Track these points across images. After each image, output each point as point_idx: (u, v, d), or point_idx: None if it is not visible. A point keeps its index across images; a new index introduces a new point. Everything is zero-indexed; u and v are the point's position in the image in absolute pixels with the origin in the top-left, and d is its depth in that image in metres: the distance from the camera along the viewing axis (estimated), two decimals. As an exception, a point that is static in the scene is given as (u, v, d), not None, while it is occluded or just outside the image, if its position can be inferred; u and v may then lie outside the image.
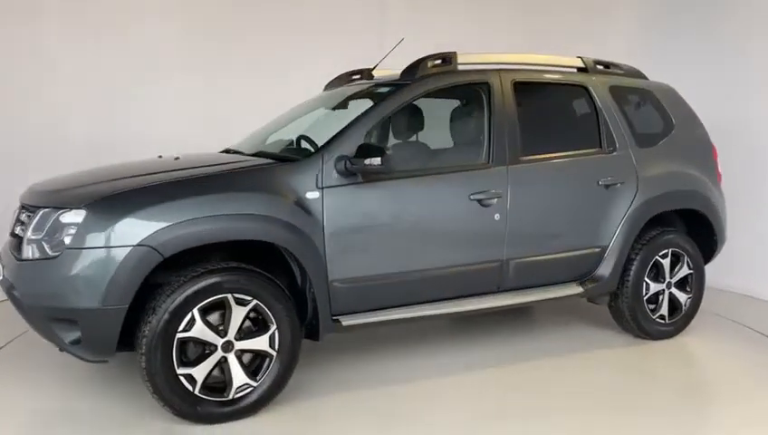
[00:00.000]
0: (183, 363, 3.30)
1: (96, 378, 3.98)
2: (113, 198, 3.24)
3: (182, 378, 3.28)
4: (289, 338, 3.51)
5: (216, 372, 3.40)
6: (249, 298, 3.39)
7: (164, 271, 3.34)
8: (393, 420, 3.53)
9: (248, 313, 3.41)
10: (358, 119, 3.86)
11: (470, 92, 4.37)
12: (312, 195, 3.58)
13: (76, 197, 3.30)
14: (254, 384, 3.45)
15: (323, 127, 4.23)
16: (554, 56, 4.71)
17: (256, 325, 3.49)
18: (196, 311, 3.28)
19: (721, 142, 5.14)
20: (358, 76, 4.94)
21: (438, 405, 3.71)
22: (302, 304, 3.68)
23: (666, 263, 4.71)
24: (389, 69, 4.69)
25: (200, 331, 3.30)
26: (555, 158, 4.38)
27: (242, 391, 3.42)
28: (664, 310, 4.74)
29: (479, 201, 4.01)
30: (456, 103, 4.64)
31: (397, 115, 4.89)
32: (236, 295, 3.36)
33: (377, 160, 3.58)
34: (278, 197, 3.47)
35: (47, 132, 5.47)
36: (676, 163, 4.80)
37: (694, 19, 6.69)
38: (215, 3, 6.14)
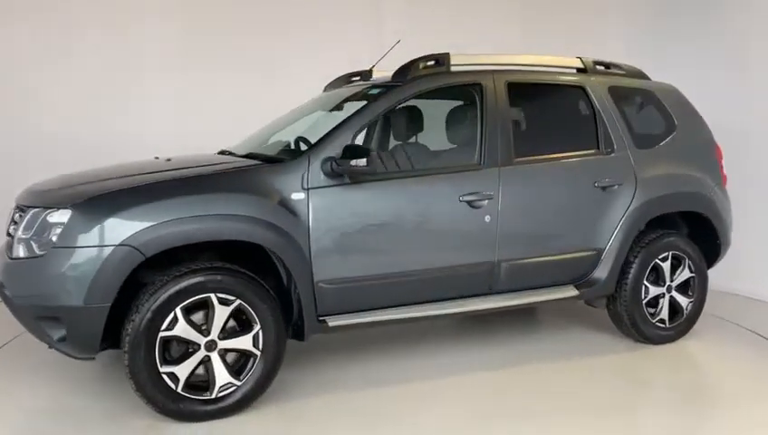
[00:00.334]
0: (166, 362, 3.35)
1: (93, 376, 4.04)
2: (98, 198, 3.30)
3: (165, 376, 3.32)
4: (273, 338, 3.53)
5: (200, 371, 3.44)
6: (233, 298, 3.42)
7: (154, 270, 3.40)
8: (378, 421, 3.53)
9: (232, 312, 3.44)
10: (345, 121, 3.88)
11: (463, 94, 4.37)
12: (297, 196, 3.60)
13: (63, 197, 3.37)
14: (238, 383, 3.48)
15: (319, 128, 4.24)
16: (552, 57, 4.66)
17: (241, 325, 3.51)
18: (178, 310, 3.32)
19: (725, 143, 5.03)
20: (357, 78, 4.95)
21: (427, 406, 3.70)
22: (289, 304, 3.70)
23: (666, 266, 4.63)
24: (390, 70, 4.68)
25: (183, 330, 3.34)
26: (549, 159, 4.33)
27: (225, 389, 3.46)
28: (664, 314, 4.65)
29: (469, 202, 3.99)
30: (449, 105, 4.61)
31: (397, 116, 4.97)
32: (220, 295, 3.39)
33: (362, 161, 3.59)
34: (261, 198, 3.50)
35: (48, 133, 5.57)
36: (678, 165, 4.72)
37: (694, 19, 6.61)
38: (214, 4, 6.19)
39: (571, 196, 4.33)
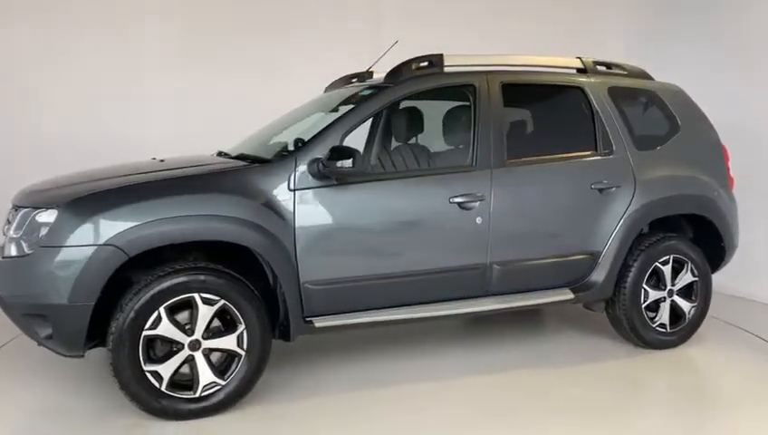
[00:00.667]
0: (150, 360, 3.39)
1: (88, 375, 4.09)
2: (83, 199, 3.36)
3: (149, 374, 3.36)
4: (258, 338, 3.55)
5: (185, 370, 3.47)
6: (217, 298, 3.44)
7: (144, 270, 3.44)
8: (363, 422, 3.52)
9: (216, 312, 3.46)
10: (334, 122, 3.88)
11: (456, 95, 4.34)
12: (283, 196, 3.62)
13: (50, 197, 3.44)
14: (222, 383, 3.50)
15: (316, 130, 4.25)
16: (551, 57, 4.61)
17: (226, 325, 3.54)
18: (162, 309, 3.35)
19: (731, 144, 4.92)
20: (355, 79, 4.95)
21: (416, 409, 3.68)
22: (276, 304, 3.71)
23: (666, 270, 4.54)
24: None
25: (166, 329, 3.38)
26: (544, 161, 4.29)
27: (209, 389, 3.48)
28: (664, 318, 4.56)
29: (459, 204, 3.96)
30: (444, 106, 4.59)
31: (397, 117, 4.98)
32: (203, 295, 3.42)
33: (348, 162, 3.60)
34: (246, 198, 3.52)
35: (49, 134, 5.67)
36: (680, 167, 4.63)
37: (695, 19, 6.51)
38: (214, 4, 6.24)
39: (566, 198, 4.27)
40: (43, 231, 3.32)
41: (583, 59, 4.66)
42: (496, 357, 4.48)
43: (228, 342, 3.51)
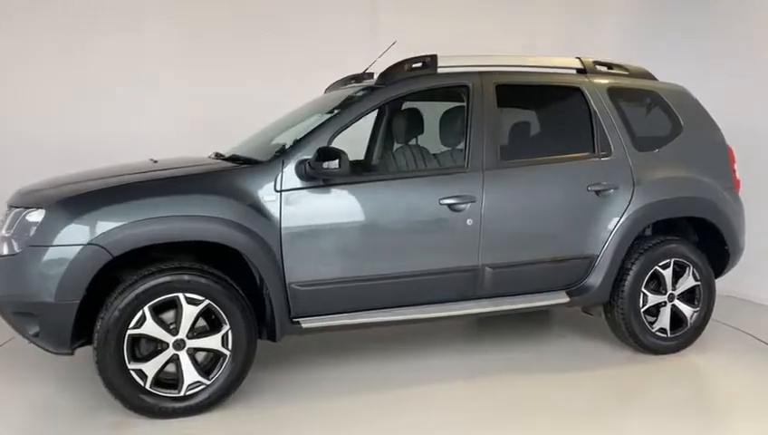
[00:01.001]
0: (135, 359, 3.43)
1: (84, 374, 4.12)
2: (69, 199, 3.42)
3: (133, 373, 3.40)
4: (244, 338, 3.57)
5: (171, 369, 3.50)
6: (201, 298, 3.47)
7: (134, 270, 3.48)
8: (348, 424, 3.51)
9: (201, 312, 3.49)
10: (323, 123, 3.89)
11: (450, 96, 4.33)
12: (269, 198, 3.63)
13: (39, 198, 3.51)
14: (207, 382, 3.53)
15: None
16: (549, 57, 4.56)
17: (212, 325, 3.56)
18: (146, 309, 3.39)
19: (737, 146, 4.81)
20: (353, 80, 4.95)
21: (403, 412, 3.65)
22: (263, 305, 3.72)
23: (667, 273, 4.44)
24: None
25: (151, 328, 3.42)
26: (539, 162, 4.24)
27: (194, 388, 3.51)
28: (664, 323, 4.47)
29: (449, 206, 3.93)
30: (443, 107, 4.56)
31: (397, 119, 4.97)
32: (188, 295, 3.45)
33: (334, 163, 3.60)
34: (231, 199, 3.54)
35: (51, 137, 5.78)
36: (682, 168, 4.53)
37: (700, 18, 6.40)
38: (212, 8, 6.28)
39: (560, 200, 4.22)
40: (32, 231, 3.37)
41: (583, 59, 4.58)
42: (491, 360, 4.44)
43: (213, 341, 3.53)
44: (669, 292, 4.48)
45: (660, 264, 4.43)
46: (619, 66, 4.69)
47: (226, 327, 3.53)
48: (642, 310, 4.41)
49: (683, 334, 4.54)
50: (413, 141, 4.84)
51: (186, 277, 3.44)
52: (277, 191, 3.64)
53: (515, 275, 4.15)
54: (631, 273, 4.35)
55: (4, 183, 4.05)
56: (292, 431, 3.46)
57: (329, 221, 3.73)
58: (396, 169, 4.15)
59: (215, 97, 6.15)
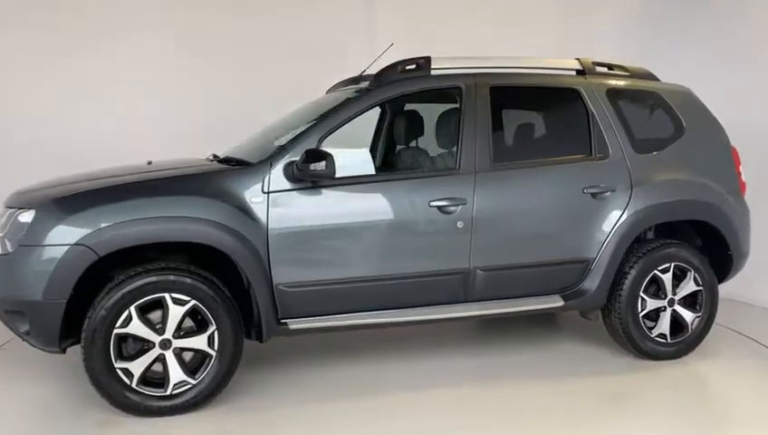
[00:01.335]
0: (122, 358, 3.48)
1: (74, 371, 4.19)
2: (58, 200, 3.50)
3: (119, 371, 3.45)
4: (230, 339, 3.60)
5: (158, 368, 3.55)
6: (187, 298, 3.51)
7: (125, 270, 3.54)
8: (334, 426, 3.52)
9: (187, 312, 3.53)
10: (312, 125, 3.90)
11: (443, 98, 4.32)
12: (256, 199, 3.65)
13: (31, 199, 3.59)
14: (193, 382, 3.57)
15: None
16: (547, 59, 4.51)
17: (199, 325, 3.60)
18: (133, 308, 3.44)
19: (737, 147, 4.70)
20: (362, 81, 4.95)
21: (391, 416, 3.63)
22: (252, 305, 3.75)
23: (666, 278, 4.35)
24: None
25: (137, 328, 3.47)
26: (533, 164, 4.20)
27: (180, 387, 3.55)
28: (664, 328, 4.38)
29: (439, 208, 3.91)
30: (438, 109, 4.54)
31: (398, 121, 4.98)
32: (174, 295, 3.49)
33: (321, 165, 3.61)
34: (217, 200, 3.57)
35: (53, 138, 5.87)
36: (683, 170, 4.44)
37: (700, 19, 6.29)
38: (209, 8, 6.32)
39: (554, 202, 4.16)
40: (23, 231, 3.45)
41: (582, 60, 4.52)
42: (488, 365, 4.39)
43: (199, 342, 3.57)
44: (669, 297, 4.39)
45: (660, 268, 4.34)
46: (619, 67, 4.62)
47: (212, 327, 3.57)
48: (641, 315, 4.33)
49: (683, 340, 4.44)
50: (413, 143, 4.86)
51: (171, 278, 3.48)
52: (264, 193, 3.67)
53: (508, 278, 4.11)
54: (629, 277, 4.28)
55: (6, 184, 4.11)
56: (276, 430, 3.48)
57: (316, 223, 3.74)
58: (393, 170, 4.13)
59: (214, 98, 6.19)
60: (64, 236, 3.37)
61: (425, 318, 3.99)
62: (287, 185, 3.70)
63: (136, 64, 6.10)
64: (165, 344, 3.51)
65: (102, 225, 3.39)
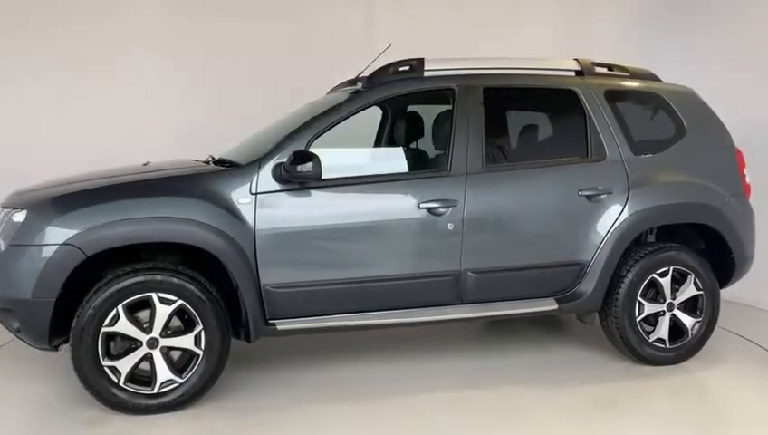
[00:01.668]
0: (110, 356, 3.53)
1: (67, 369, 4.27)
2: (48, 201, 3.57)
3: (107, 369, 3.50)
4: (217, 338, 3.63)
5: (147, 367, 3.59)
6: (174, 298, 3.54)
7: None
8: (320, 427, 3.53)
9: (174, 312, 3.57)
10: (302, 126, 3.91)
11: (436, 99, 4.31)
12: (244, 200, 3.68)
13: (24, 199, 3.67)
14: (180, 381, 3.60)
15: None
16: (544, 60, 4.46)
17: (187, 324, 3.63)
18: (120, 307, 3.49)
19: (744, 149, 4.60)
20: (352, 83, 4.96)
21: (381, 420, 3.62)
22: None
23: (665, 282, 4.28)
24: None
25: (125, 326, 3.51)
26: (526, 166, 4.16)
27: (167, 386, 3.59)
28: (662, 333, 4.30)
29: (429, 210, 3.89)
30: (437, 110, 4.52)
31: (398, 123, 4.97)
32: (161, 295, 3.53)
33: (308, 166, 3.62)
34: (204, 201, 3.60)
35: (54, 139, 5.97)
36: (683, 172, 4.36)
37: (700, 19, 6.19)
38: (208, 9, 6.37)
39: (547, 204, 4.12)
40: (16, 230, 3.52)
41: (581, 60, 4.47)
42: (484, 368, 4.35)
43: (185, 341, 3.60)
44: (668, 301, 4.31)
45: (658, 271, 4.27)
46: (620, 67, 4.55)
47: (199, 327, 3.60)
48: (638, 319, 4.25)
49: (683, 346, 4.36)
50: (414, 145, 4.86)
51: (158, 278, 3.52)
52: (252, 194, 3.69)
53: (500, 280, 4.07)
54: (626, 280, 4.21)
55: (6, 185, 4.19)
56: (262, 430, 3.50)
57: (304, 224, 3.75)
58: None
59: (215, 99, 6.25)
60: (53, 236, 3.43)
61: (414, 320, 3.97)
62: (275, 186, 3.72)
63: (137, 65, 6.17)
64: (152, 343, 3.55)
65: (90, 225, 3.45)
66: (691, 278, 4.33)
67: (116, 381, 3.52)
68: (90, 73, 6.11)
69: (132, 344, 3.55)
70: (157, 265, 3.58)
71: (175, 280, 3.54)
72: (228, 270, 3.64)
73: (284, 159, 3.71)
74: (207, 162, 4.33)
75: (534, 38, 6.46)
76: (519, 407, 3.77)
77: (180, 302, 3.55)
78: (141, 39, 6.22)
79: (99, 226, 3.45)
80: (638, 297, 4.25)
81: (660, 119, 4.50)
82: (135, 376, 3.58)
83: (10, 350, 4.65)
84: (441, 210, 3.91)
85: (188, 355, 3.64)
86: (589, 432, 3.53)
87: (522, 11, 6.70)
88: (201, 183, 3.70)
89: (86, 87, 6.10)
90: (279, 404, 3.79)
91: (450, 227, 3.93)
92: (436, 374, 4.24)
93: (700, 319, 4.36)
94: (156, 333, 3.55)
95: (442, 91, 4.16)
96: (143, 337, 3.54)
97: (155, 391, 3.58)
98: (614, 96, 4.38)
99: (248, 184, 3.70)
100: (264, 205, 3.69)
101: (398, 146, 5.02)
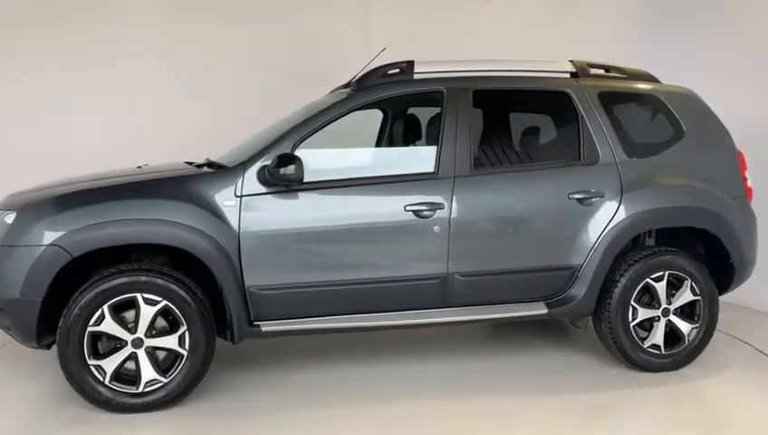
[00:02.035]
0: (96, 355, 3.60)
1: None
2: (36, 202, 3.66)
3: (93, 368, 3.57)
4: (201, 339, 3.67)
5: (133, 366, 3.65)
6: (159, 298, 3.60)
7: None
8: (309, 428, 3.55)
9: (158, 312, 3.62)
10: (288, 130, 3.94)
11: (426, 102, 4.31)
12: (228, 203, 3.72)
13: (15, 201, 3.77)
14: (164, 380, 3.65)
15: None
16: (537, 61, 4.41)
17: (172, 325, 3.69)
18: (106, 307, 3.55)
19: (744, 150, 4.49)
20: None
21: (361, 428, 3.61)
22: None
23: (660, 287, 4.20)
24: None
25: (110, 326, 3.58)
26: (516, 169, 4.13)
27: (152, 385, 3.65)
28: (657, 339, 4.22)
29: (415, 212, 3.89)
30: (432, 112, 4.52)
31: (396, 125, 4.98)
32: (145, 295, 3.59)
33: (290, 169, 3.65)
34: (188, 203, 3.65)
35: (54, 140, 6.09)
36: (681, 175, 4.28)
37: (699, 19, 6.07)
38: (207, 9, 6.43)
39: (537, 208, 4.07)
40: (6, 231, 3.62)
41: (576, 62, 4.41)
42: (475, 373, 4.31)
43: (170, 341, 3.65)
44: (663, 306, 4.23)
45: (653, 276, 4.19)
46: (616, 69, 4.49)
47: (184, 328, 3.65)
48: (632, 324, 4.18)
49: (679, 352, 4.27)
50: (405, 147, 4.86)
51: (143, 278, 3.58)
52: (237, 196, 3.73)
53: (488, 284, 4.05)
54: (619, 285, 4.15)
55: (6, 185, 4.30)
56: (250, 429, 3.55)
57: (288, 226, 3.78)
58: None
59: (216, 100, 6.32)
60: (40, 237, 3.52)
61: (400, 323, 3.97)
62: (260, 189, 3.75)
63: (137, 65, 6.26)
64: (137, 343, 3.61)
65: (76, 226, 3.52)
66: (687, 283, 4.24)
67: (101, 379, 3.59)
68: (90, 74, 6.21)
69: (117, 344, 3.62)
70: (142, 267, 3.64)
71: (159, 281, 3.59)
72: (212, 271, 3.68)
73: (269, 162, 3.74)
74: (202, 165, 4.40)
75: (534, 40, 6.38)
76: (510, 412, 3.74)
77: (165, 302, 3.61)
78: (141, 39, 6.30)
79: (84, 227, 3.52)
80: (632, 302, 4.18)
81: (657, 120, 4.43)
82: (120, 375, 3.64)
83: (10, 350, 4.75)
84: (427, 213, 3.90)
85: (173, 355, 3.69)
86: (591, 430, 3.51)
87: (522, 13, 6.65)
88: (186, 186, 3.75)
89: (86, 87, 6.19)
90: (263, 406, 3.81)
91: (436, 229, 3.92)
92: (423, 379, 4.22)
93: (697, 325, 4.27)
94: (141, 333, 3.61)
95: (431, 94, 4.15)
96: (128, 337, 3.60)
97: (139, 390, 3.63)
98: (609, 98, 4.31)
99: (233, 186, 3.74)
100: (248, 207, 3.73)
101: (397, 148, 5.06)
